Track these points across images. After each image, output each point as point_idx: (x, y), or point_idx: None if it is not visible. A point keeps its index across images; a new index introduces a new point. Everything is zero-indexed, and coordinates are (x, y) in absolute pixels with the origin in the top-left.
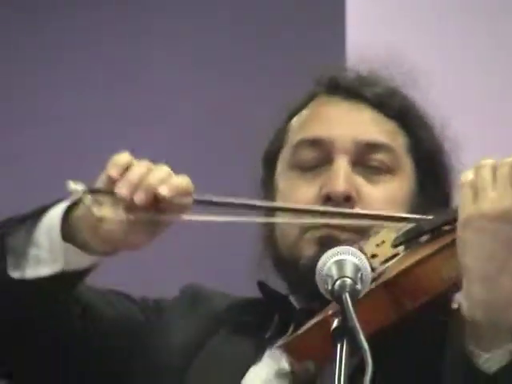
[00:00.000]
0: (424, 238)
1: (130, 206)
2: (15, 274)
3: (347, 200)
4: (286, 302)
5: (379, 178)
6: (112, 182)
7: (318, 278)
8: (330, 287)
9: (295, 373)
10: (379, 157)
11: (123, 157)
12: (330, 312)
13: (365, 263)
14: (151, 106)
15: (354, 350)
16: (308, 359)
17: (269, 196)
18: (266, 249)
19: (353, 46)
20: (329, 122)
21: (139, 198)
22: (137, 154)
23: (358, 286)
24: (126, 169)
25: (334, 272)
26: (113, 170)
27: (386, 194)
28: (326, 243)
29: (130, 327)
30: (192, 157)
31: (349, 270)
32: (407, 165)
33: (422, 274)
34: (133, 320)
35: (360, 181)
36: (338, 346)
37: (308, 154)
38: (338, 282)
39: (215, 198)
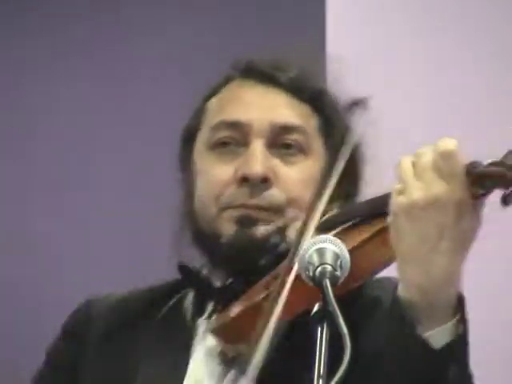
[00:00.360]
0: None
1: None
2: None
3: (264, 181)
4: (205, 280)
5: (294, 158)
6: None
7: (299, 264)
8: (311, 273)
9: (225, 353)
10: (293, 137)
11: None
12: (261, 296)
13: (344, 251)
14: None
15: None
16: (240, 342)
17: (187, 174)
18: (186, 224)
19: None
20: (246, 106)
21: None
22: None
23: (338, 273)
24: None
25: (315, 259)
26: None
27: (300, 174)
28: (245, 222)
29: None
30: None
31: (329, 258)
32: (319, 146)
33: (356, 259)
34: None
35: (276, 162)
36: (319, 328)
37: (226, 136)
38: (318, 269)
39: None
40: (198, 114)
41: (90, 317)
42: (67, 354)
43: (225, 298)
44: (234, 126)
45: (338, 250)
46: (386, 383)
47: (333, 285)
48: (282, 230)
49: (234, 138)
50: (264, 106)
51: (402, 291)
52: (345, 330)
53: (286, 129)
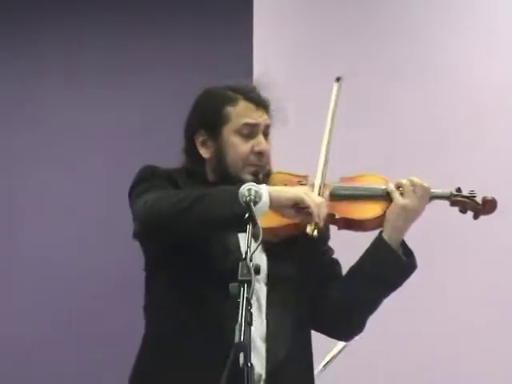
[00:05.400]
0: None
1: None
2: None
3: (265, 153)
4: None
5: (268, 140)
6: None
7: (239, 195)
8: (245, 199)
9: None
10: (268, 130)
11: None
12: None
13: (261, 192)
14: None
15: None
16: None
17: (216, 144)
18: (216, 169)
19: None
20: (256, 115)
21: None
22: None
23: (257, 199)
24: None
25: (247, 193)
26: None
27: (270, 147)
28: (256, 174)
29: None
30: None
31: (253, 193)
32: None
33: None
34: None
35: (266, 142)
36: (248, 228)
37: (247, 130)
38: (248, 197)
39: None
40: (221, 115)
41: (167, 173)
42: (169, 184)
43: None
44: (253, 125)
45: (258, 189)
46: (370, 284)
47: (254, 206)
48: (268, 174)
49: (251, 131)
50: (261, 115)
51: (386, 235)
52: (260, 225)
53: (267, 127)
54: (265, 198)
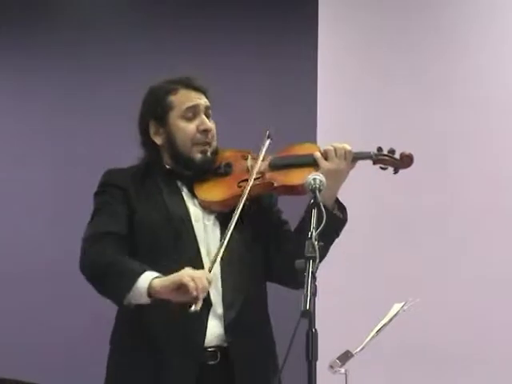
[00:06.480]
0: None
1: None
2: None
3: (210, 130)
4: (178, 170)
5: (210, 120)
6: None
7: (306, 182)
8: (311, 187)
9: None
10: (210, 111)
11: None
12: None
13: (324, 180)
14: None
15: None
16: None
17: (165, 130)
18: (170, 152)
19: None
20: (195, 99)
21: None
22: None
23: (321, 187)
24: None
25: (312, 182)
26: None
27: (214, 126)
28: (204, 152)
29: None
30: None
31: (318, 182)
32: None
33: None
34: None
35: (209, 121)
36: (314, 210)
37: (190, 112)
38: (314, 186)
39: None
40: (165, 104)
41: (122, 179)
42: (121, 194)
43: (190, 181)
44: (193, 107)
45: (322, 179)
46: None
47: (319, 193)
48: (215, 152)
49: (193, 112)
50: (200, 98)
51: (325, 198)
52: (324, 209)
53: (207, 108)
54: (144, 283)
